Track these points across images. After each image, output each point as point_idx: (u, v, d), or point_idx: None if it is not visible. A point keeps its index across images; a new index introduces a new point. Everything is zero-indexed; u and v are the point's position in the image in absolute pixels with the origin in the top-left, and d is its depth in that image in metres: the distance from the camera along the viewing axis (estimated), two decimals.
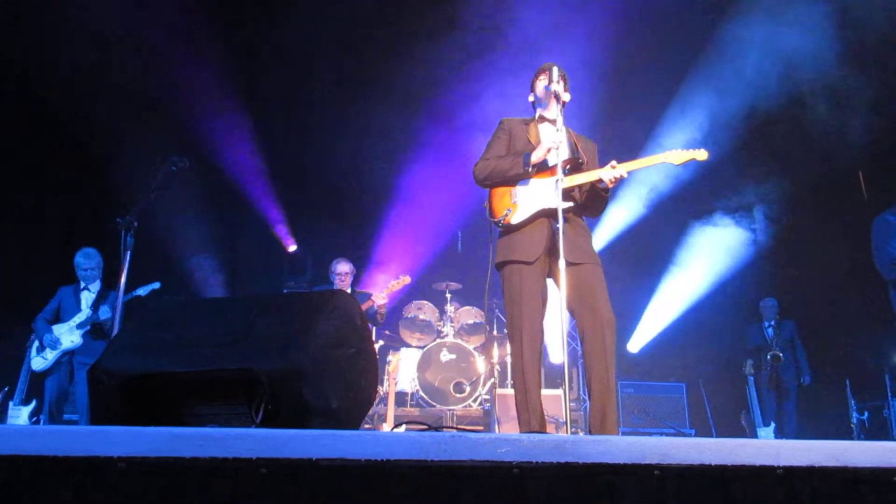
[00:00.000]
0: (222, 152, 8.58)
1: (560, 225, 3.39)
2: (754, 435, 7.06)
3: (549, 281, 3.73)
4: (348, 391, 2.61)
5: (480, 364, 7.20)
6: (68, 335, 6.07)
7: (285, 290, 8.64)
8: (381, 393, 6.88)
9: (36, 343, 6.15)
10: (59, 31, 7.01)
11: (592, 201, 3.85)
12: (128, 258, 4.48)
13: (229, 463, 1.58)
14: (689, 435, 7.47)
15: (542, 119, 3.93)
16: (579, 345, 3.75)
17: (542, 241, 3.62)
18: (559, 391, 6.52)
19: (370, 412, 6.64)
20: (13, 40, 6.99)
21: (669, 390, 7.87)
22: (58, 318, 6.18)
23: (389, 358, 7.14)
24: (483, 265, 3.88)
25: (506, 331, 4.18)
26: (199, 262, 8.81)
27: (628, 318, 9.17)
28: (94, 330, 6.12)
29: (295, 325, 2.55)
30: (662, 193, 8.80)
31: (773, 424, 7.13)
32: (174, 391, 2.50)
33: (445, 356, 7.27)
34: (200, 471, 1.57)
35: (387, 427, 6.34)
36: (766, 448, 1.67)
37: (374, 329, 7.24)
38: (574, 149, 3.85)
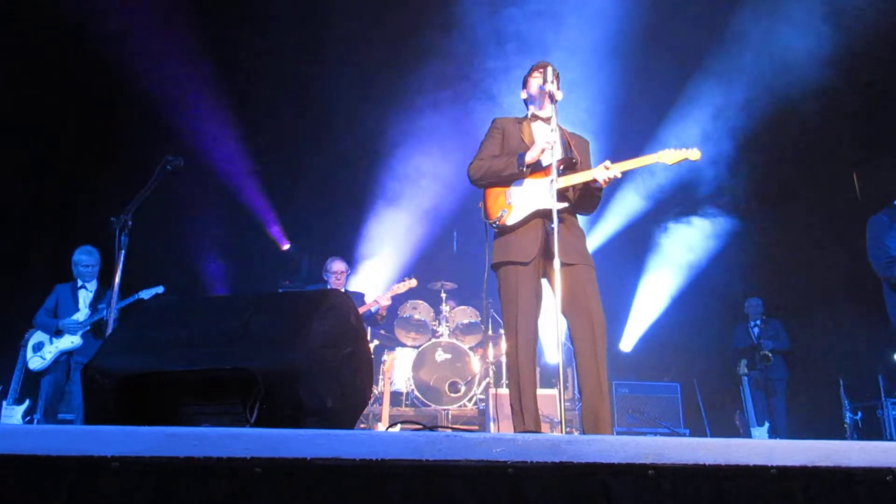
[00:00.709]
0: (214, 152, 8.56)
1: (555, 225, 3.39)
2: (748, 435, 7.08)
3: (544, 281, 3.75)
4: (343, 391, 2.61)
5: (475, 364, 7.20)
6: (69, 335, 6.05)
7: (280, 290, 8.63)
8: (376, 392, 6.88)
9: (32, 342, 6.12)
10: (55, 30, 7.00)
11: (586, 200, 3.86)
12: (122, 257, 4.48)
13: (224, 463, 1.57)
14: (684, 435, 7.48)
15: (535, 118, 3.93)
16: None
17: (537, 242, 3.64)
18: (554, 391, 6.54)
19: (365, 412, 6.64)
20: (11, 39, 6.97)
21: (664, 390, 7.88)
22: (55, 317, 6.14)
23: (384, 357, 7.14)
24: (478, 264, 3.89)
25: (501, 331, 4.18)
26: (209, 264, 8.81)
27: (616, 316, 9.20)
28: (92, 330, 6.09)
29: (290, 324, 2.55)
30: (651, 189, 8.85)
31: (767, 424, 7.15)
32: (168, 391, 2.49)
33: (440, 356, 7.27)
34: (195, 471, 1.57)
35: (382, 427, 6.34)
36: (760, 448, 1.68)
37: (368, 328, 7.24)
38: (567, 147, 3.85)
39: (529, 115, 3.97)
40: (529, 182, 3.74)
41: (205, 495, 1.55)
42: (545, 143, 3.64)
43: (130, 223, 4.49)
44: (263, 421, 2.34)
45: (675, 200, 9.04)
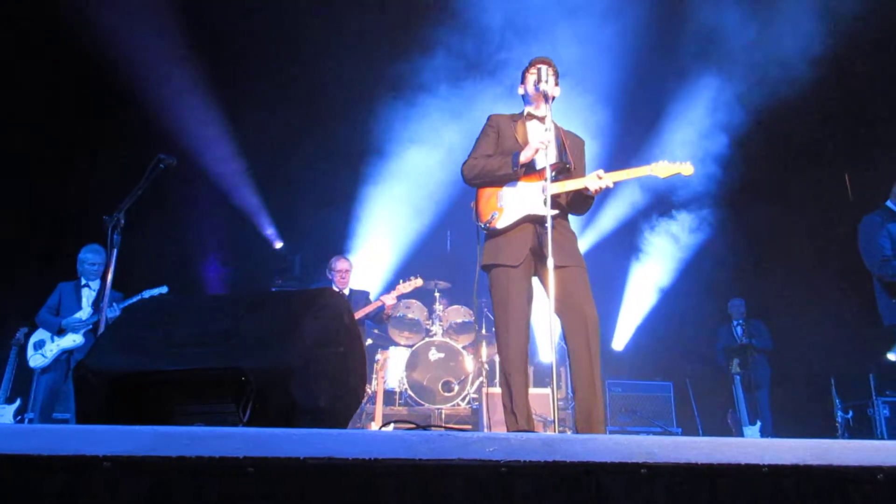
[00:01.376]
0: (206, 151, 8.53)
1: (548, 228, 3.40)
2: (740, 434, 7.11)
3: (535, 280, 3.75)
4: (336, 390, 2.60)
5: (469, 363, 7.20)
6: (71, 334, 6.01)
7: (272, 289, 8.60)
8: (370, 391, 6.87)
9: (33, 340, 6.08)
10: (49, 29, 6.97)
11: (578, 204, 3.87)
12: (115, 256, 4.46)
13: (216, 462, 1.57)
14: (676, 434, 7.50)
15: (531, 116, 3.92)
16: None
17: (528, 244, 3.66)
18: (547, 390, 6.54)
19: (358, 411, 6.63)
20: (1, 34, 6.94)
21: (656, 389, 7.90)
22: (57, 315, 6.10)
23: (378, 356, 7.13)
24: (472, 264, 3.88)
25: (494, 330, 4.19)
26: (201, 263, 8.78)
27: (608, 315, 9.21)
28: (94, 329, 6.05)
29: (283, 323, 2.54)
30: (640, 186, 8.90)
31: (759, 423, 7.19)
32: (161, 390, 2.48)
33: (434, 355, 7.26)
34: (187, 470, 1.56)
35: (375, 426, 6.33)
36: (752, 447, 1.69)
37: (366, 326, 7.24)
38: (562, 149, 3.84)
39: (525, 113, 3.95)
40: (522, 184, 3.74)
41: (197, 495, 1.55)
42: (539, 143, 3.64)
43: (123, 222, 4.48)
44: (256, 420, 2.33)
45: (664, 198, 9.06)
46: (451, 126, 8.04)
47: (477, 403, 7.01)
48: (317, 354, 2.52)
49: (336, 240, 9.01)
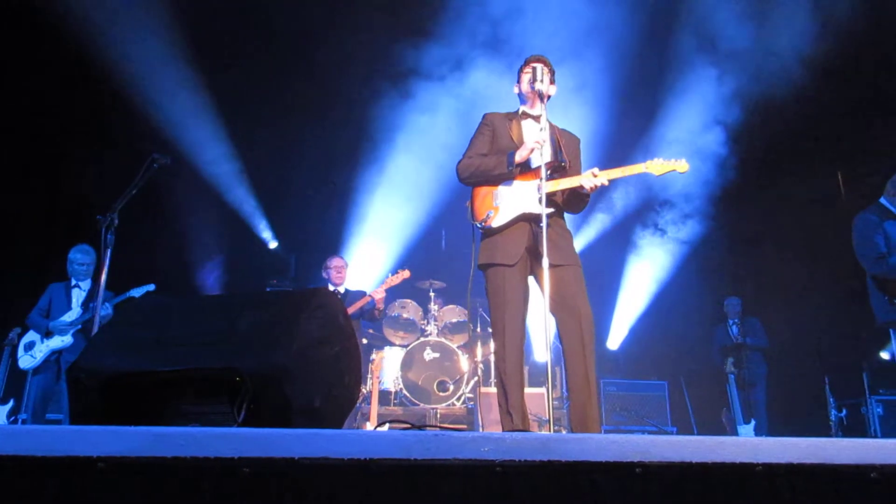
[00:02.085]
0: (201, 151, 8.52)
1: (543, 227, 3.40)
2: (735, 432, 7.13)
3: (531, 279, 3.75)
4: (331, 390, 2.60)
5: (464, 363, 7.21)
6: (60, 334, 6.00)
7: (268, 289, 8.59)
8: (365, 391, 6.86)
9: (24, 341, 6.06)
10: (41, 28, 6.94)
11: (574, 202, 3.87)
12: (108, 255, 4.46)
13: (211, 462, 1.57)
14: (671, 432, 7.52)
15: (525, 115, 3.92)
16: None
17: (523, 243, 3.67)
18: (542, 390, 6.55)
19: (353, 411, 6.62)
20: None
21: (652, 388, 7.92)
22: (47, 316, 6.09)
23: (373, 356, 7.13)
24: (467, 263, 3.89)
25: (489, 329, 4.20)
26: (196, 264, 8.76)
27: (603, 315, 9.23)
28: (84, 329, 6.03)
29: (278, 323, 2.54)
30: (634, 185, 8.92)
31: (753, 422, 7.21)
32: (156, 390, 2.47)
33: (429, 355, 7.26)
34: (182, 471, 1.56)
35: (370, 426, 6.33)
36: (747, 445, 1.69)
37: (360, 325, 7.23)
38: (557, 148, 3.84)
39: (520, 112, 3.96)
40: (518, 183, 3.74)
41: (192, 496, 1.54)
42: (534, 142, 3.64)
43: (117, 221, 4.47)
44: (251, 421, 2.33)
45: (659, 197, 9.07)
46: (446, 126, 8.04)
47: (472, 403, 7.01)
48: (312, 354, 2.52)
49: (331, 240, 9.00)
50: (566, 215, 3.92)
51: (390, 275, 6.90)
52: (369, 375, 6.77)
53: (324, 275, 7.01)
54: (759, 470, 1.65)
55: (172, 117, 8.02)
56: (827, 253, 7.68)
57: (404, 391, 7.10)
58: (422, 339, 7.46)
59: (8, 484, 1.54)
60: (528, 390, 3.98)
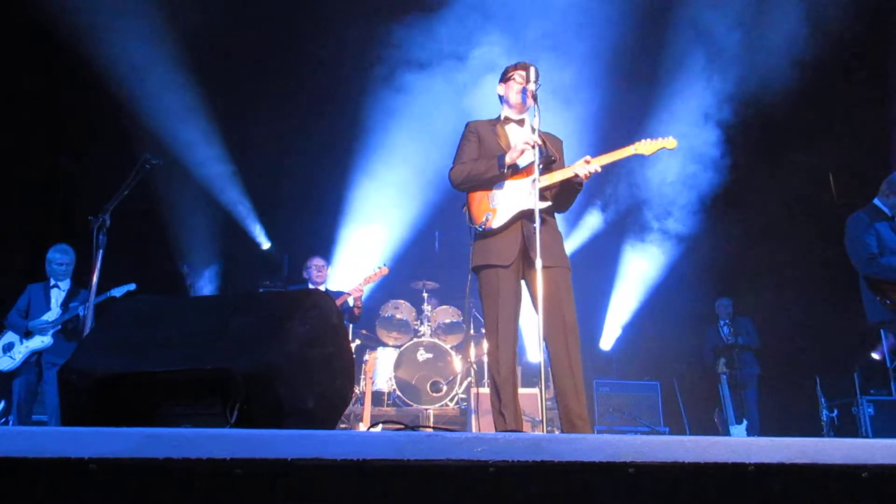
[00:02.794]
0: (193, 152, 8.49)
1: (537, 225, 3.41)
2: (727, 433, 7.15)
3: (522, 282, 3.77)
4: (324, 391, 2.60)
5: (457, 363, 7.21)
6: (40, 334, 5.96)
7: (260, 290, 8.57)
8: (358, 392, 6.86)
9: (2, 343, 6.02)
10: (34, 27, 6.92)
11: (565, 196, 3.88)
12: (100, 256, 4.44)
13: (203, 463, 1.56)
14: (664, 433, 7.54)
15: (508, 120, 3.95)
16: None
17: (517, 245, 3.68)
18: (535, 390, 6.55)
19: (346, 412, 6.61)
20: None
21: (644, 389, 7.94)
22: (26, 317, 6.05)
23: (366, 357, 7.12)
24: (460, 264, 3.90)
25: (483, 330, 4.20)
26: (188, 267, 8.72)
27: (595, 315, 9.24)
28: (64, 330, 6.00)
29: (271, 324, 2.53)
30: (627, 188, 8.92)
31: (745, 422, 7.24)
32: (147, 391, 2.46)
33: (422, 355, 7.26)
34: (174, 472, 1.56)
35: (363, 426, 6.32)
36: (739, 446, 1.70)
37: (350, 327, 7.21)
38: (543, 146, 3.86)
39: (503, 117, 3.97)
40: (510, 183, 3.75)
41: (185, 497, 1.54)
42: (524, 143, 3.65)
43: (108, 222, 4.46)
44: (244, 422, 2.32)
45: (652, 197, 9.09)
46: (441, 126, 8.03)
47: (465, 404, 7.01)
48: (304, 355, 2.51)
49: (324, 241, 8.99)
50: (557, 216, 3.93)
51: (369, 273, 6.89)
52: (362, 376, 6.77)
53: (304, 274, 7.00)
54: (752, 470, 1.65)
55: (164, 118, 8.00)
56: (819, 253, 7.72)
57: (397, 392, 7.10)
58: (415, 339, 7.46)
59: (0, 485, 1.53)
60: (520, 391, 3.99)
